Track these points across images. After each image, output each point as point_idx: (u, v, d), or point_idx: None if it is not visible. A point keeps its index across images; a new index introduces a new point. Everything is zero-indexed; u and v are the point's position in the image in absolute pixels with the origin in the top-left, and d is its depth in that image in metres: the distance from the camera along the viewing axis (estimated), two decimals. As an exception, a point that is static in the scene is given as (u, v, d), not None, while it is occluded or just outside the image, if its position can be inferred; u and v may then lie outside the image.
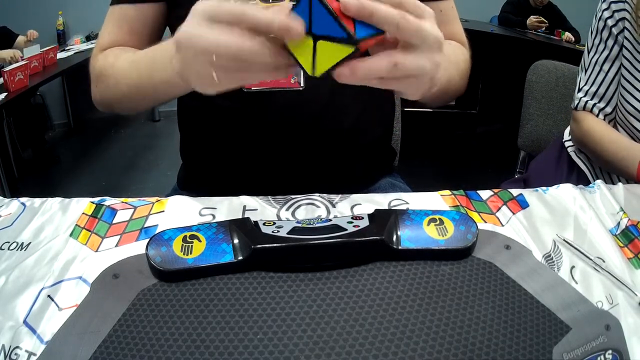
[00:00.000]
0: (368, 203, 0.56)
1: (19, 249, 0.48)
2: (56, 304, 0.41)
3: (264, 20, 0.34)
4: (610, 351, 0.38)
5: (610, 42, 0.82)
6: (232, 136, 0.71)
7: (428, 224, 0.47)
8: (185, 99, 0.74)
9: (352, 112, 0.71)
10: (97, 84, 0.63)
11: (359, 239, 0.44)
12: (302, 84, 0.65)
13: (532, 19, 3.16)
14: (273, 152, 0.70)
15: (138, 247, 0.47)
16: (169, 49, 0.47)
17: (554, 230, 0.52)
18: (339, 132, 0.71)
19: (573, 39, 2.97)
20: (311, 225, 0.46)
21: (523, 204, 0.57)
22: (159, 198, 0.56)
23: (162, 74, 0.49)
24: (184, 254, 0.43)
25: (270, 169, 0.71)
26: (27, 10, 2.36)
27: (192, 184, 0.79)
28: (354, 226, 0.45)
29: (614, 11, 0.80)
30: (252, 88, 0.65)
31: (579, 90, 0.90)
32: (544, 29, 3.14)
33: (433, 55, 0.37)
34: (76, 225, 0.51)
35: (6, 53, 2.44)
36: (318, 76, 0.36)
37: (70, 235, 0.50)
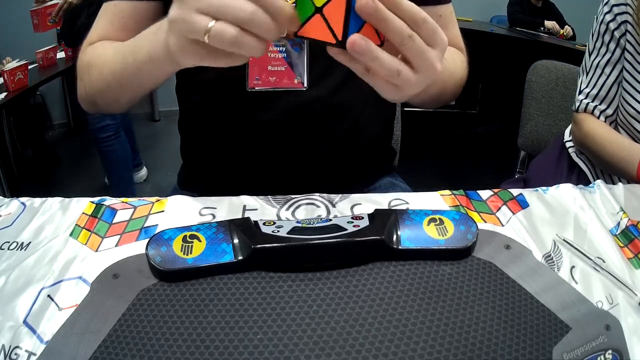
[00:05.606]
0: (368, 203, 0.56)
1: (19, 248, 0.48)
2: (56, 304, 0.41)
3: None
4: (610, 351, 0.38)
5: (612, 45, 0.82)
6: (233, 134, 0.71)
7: (428, 224, 0.47)
8: (188, 96, 0.73)
9: (353, 112, 0.71)
10: (82, 77, 0.62)
11: (359, 239, 0.44)
12: (305, 84, 0.65)
13: (548, 24, 3.20)
14: (274, 151, 0.70)
15: (138, 247, 0.47)
16: (157, 25, 0.47)
17: (554, 230, 0.52)
18: (340, 131, 0.71)
19: (571, 33, 3.01)
20: (311, 225, 0.46)
21: (523, 204, 0.57)
22: (159, 198, 0.56)
23: (146, 49, 0.48)
24: (184, 254, 0.43)
25: (271, 168, 0.72)
26: (27, 10, 2.35)
27: (193, 183, 0.79)
28: (354, 226, 0.45)
29: (616, 14, 0.80)
30: (256, 87, 0.64)
31: (580, 92, 0.90)
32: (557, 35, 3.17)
33: (425, 80, 0.38)
34: (76, 225, 0.51)
35: None
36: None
37: (70, 235, 0.50)
